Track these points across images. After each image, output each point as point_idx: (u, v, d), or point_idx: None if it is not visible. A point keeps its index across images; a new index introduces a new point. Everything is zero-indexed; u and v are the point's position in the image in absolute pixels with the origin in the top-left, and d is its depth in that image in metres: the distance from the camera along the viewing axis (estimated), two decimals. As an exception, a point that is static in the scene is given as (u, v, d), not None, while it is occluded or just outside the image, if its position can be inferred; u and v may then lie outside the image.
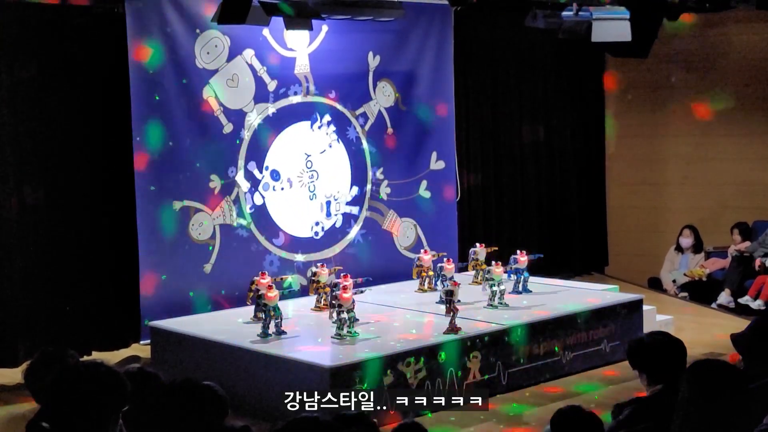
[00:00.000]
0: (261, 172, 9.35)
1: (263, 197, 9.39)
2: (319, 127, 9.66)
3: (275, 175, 9.47)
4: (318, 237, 9.75)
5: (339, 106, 9.81)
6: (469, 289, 8.81)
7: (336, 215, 9.87)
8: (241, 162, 9.15)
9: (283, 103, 9.42)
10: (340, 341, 7.43)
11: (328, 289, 8.26)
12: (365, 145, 10.02)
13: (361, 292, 7.74)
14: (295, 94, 9.50)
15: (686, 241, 11.77)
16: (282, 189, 9.53)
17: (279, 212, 9.51)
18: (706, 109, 12.53)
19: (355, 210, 9.99)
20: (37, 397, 4.38)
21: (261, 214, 9.38)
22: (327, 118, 9.71)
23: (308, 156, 9.64)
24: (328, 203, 9.82)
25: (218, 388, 4.39)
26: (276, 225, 9.49)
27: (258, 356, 7.32)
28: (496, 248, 9.27)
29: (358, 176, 10.01)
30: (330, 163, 9.81)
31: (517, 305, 8.56)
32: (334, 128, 9.78)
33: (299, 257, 9.56)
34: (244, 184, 9.21)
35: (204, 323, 8.21)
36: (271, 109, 9.34)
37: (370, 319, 8.05)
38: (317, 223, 9.76)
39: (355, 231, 9.97)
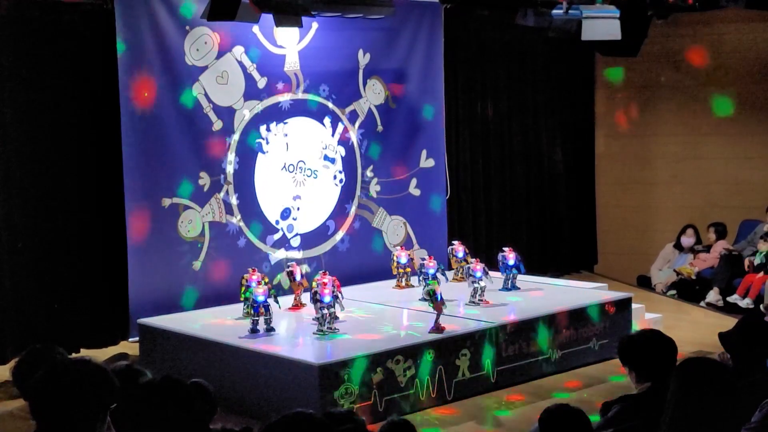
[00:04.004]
0: (277, 230, 9.48)
1: (297, 234, 9.63)
2: (267, 142, 9.44)
3: (285, 214, 9.54)
4: (344, 181, 9.93)
5: (329, 104, 9.80)
6: (449, 286, 8.80)
7: (336, 152, 9.89)
8: (230, 158, 9.14)
9: (272, 100, 9.40)
10: (321, 337, 7.45)
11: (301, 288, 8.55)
12: (355, 143, 10.01)
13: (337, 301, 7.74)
14: (285, 91, 9.48)
15: (689, 240, 11.78)
16: (298, 209, 9.63)
17: (314, 219, 9.73)
18: (695, 109, 12.56)
19: (339, 128, 9.91)
20: (25, 394, 4.36)
21: (310, 235, 9.67)
22: (263, 128, 9.40)
23: (284, 166, 9.58)
24: (326, 156, 9.84)
25: (207, 385, 4.39)
26: (323, 224, 9.75)
27: (247, 354, 7.31)
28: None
29: (347, 171, 10.02)
30: (298, 142, 9.65)
31: (506, 303, 8.57)
32: (273, 122, 9.48)
33: (290, 254, 9.54)
34: (281, 254, 9.47)
35: (193, 320, 8.21)
36: (260, 106, 9.32)
37: (356, 317, 8.05)
38: (335, 177, 9.88)
39: (345, 228, 9.97)
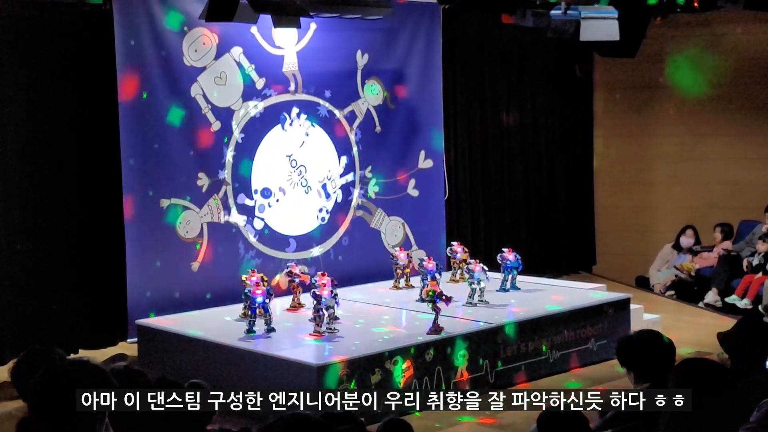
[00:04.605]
0: (251, 197, 9.35)
1: (263, 219, 9.43)
2: (290, 124, 9.60)
3: (266, 193, 9.47)
4: (326, 221, 9.80)
5: (327, 105, 9.80)
6: (447, 288, 8.79)
7: (335, 191, 9.86)
8: (229, 158, 9.14)
9: (271, 101, 9.40)
10: (319, 338, 7.45)
11: (300, 288, 8.53)
12: (353, 143, 10.00)
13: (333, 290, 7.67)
14: (284, 92, 9.48)
15: (688, 241, 11.77)
16: (277, 201, 9.53)
17: (283, 223, 9.55)
18: (693, 109, 12.56)
19: (350, 176, 9.96)
20: (24, 395, 4.36)
21: (269, 235, 9.44)
22: (295, 110, 9.60)
23: (290, 156, 9.60)
24: (324, 186, 9.81)
25: (206, 386, 4.38)
26: (285, 236, 9.56)
27: (245, 354, 7.31)
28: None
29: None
30: (312, 151, 9.74)
31: (505, 304, 8.57)
32: (305, 115, 9.66)
33: (286, 255, 9.53)
34: (240, 219, 9.24)
35: (191, 321, 8.20)
36: (259, 107, 9.32)
37: (353, 317, 8.05)
38: (321, 209, 9.78)
39: (343, 229, 9.96)
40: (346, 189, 9.97)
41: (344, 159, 9.93)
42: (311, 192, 9.75)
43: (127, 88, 8.50)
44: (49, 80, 8.46)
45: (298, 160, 9.63)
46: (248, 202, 9.34)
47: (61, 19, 8.50)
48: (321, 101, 9.72)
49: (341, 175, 9.93)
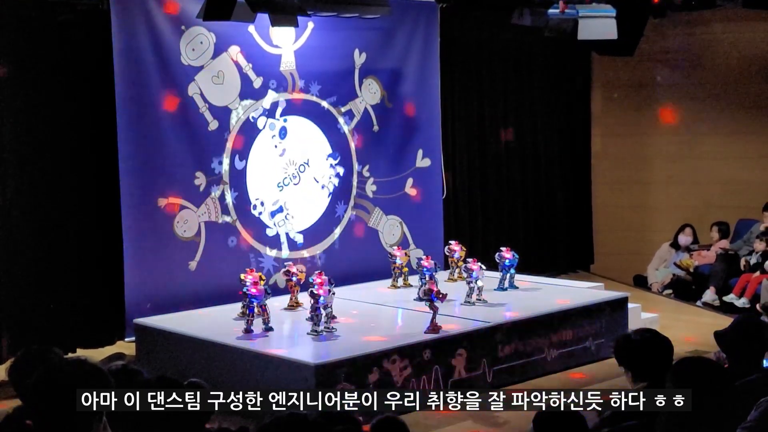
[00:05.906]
0: (266, 117, 9.34)
1: (257, 135, 9.32)
2: (330, 154, 9.82)
3: (283, 133, 9.47)
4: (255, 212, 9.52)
5: (325, 104, 9.79)
6: (444, 287, 8.80)
7: (276, 226, 9.54)
8: (226, 157, 9.13)
9: (268, 100, 9.39)
10: (316, 337, 7.44)
11: (298, 288, 8.49)
12: (351, 143, 10.00)
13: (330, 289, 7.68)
14: (282, 91, 9.47)
15: (686, 239, 11.78)
16: (276, 146, 9.48)
17: (257, 162, 9.39)
18: (691, 108, 12.57)
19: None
20: (21, 394, 4.36)
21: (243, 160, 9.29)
22: (336, 168, 9.81)
23: (305, 162, 9.65)
24: (275, 217, 9.60)
25: (204, 385, 4.38)
26: (243, 175, 9.33)
27: (243, 354, 7.31)
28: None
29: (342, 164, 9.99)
30: (305, 193, 9.71)
31: (503, 302, 8.57)
32: (333, 185, 9.84)
33: (284, 254, 9.53)
34: (254, 113, 9.21)
35: (189, 320, 8.20)
36: (256, 106, 9.31)
37: (351, 317, 8.05)
38: (258, 202, 9.45)
39: (340, 229, 9.96)
40: (291, 241, 9.65)
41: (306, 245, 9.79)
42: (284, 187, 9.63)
43: (125, 87, 8.49)
44: (47, 80, 8.44)
45: (305, 169, 9.65)
46: (270, 119, 9.36)
47: (59, 18, 8.48)
48: (318, 100, 9.72)
49: (298, 231, 9.71)
